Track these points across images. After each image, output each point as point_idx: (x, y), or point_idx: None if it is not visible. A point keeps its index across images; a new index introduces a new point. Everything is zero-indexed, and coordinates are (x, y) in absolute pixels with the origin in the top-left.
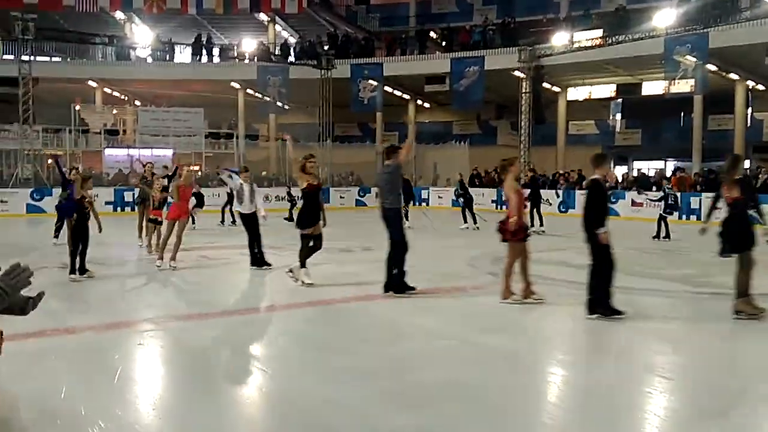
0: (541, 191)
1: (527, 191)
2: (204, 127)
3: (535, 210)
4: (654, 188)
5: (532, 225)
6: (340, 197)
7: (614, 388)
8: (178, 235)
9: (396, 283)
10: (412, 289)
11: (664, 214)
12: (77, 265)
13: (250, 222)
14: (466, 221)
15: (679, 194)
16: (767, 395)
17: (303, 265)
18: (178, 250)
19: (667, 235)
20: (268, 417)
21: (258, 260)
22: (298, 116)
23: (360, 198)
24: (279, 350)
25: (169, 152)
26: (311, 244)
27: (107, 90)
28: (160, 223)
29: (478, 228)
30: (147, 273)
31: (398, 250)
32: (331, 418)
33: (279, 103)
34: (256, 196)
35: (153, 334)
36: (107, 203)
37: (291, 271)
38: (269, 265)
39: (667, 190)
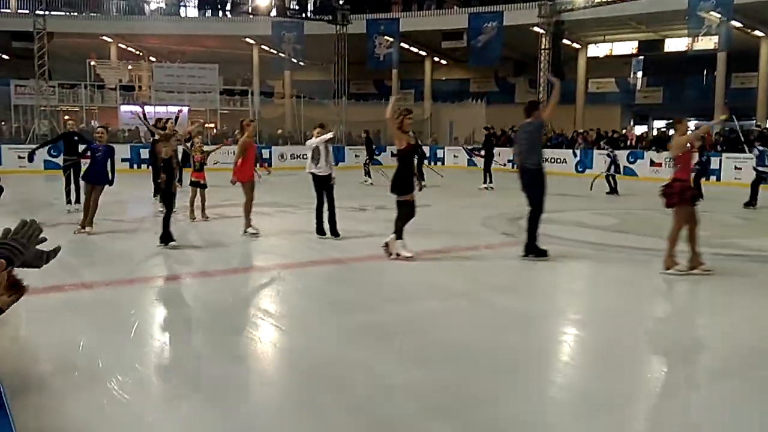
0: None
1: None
2: (219, 84)
3: (486, 168)
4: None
5: (485, 182)
6: (356, 156)
7: (627, 346)
8: (251, 197)
9: (534, 247)
10: (544, 253)
11: (609, 174)
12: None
13: (324, 184)
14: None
15: (617, 153)
16: None
17: (400, 236)
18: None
19: (614, 191)
20: (281, 372)
21: (325, 229)
22: (313, 73)
23: (375, 156)
24: (293, 307)
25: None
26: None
27: (122, 45)
28: (205, 186)
29: (492, 188)
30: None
31: (537, 213)
32: (343, 374)
33: (294, 60)
34: (330, 157)
35: (169, 291)
36: (123, 160)
37: (386, 245)
38: (337, 235)
39: (608, 150)
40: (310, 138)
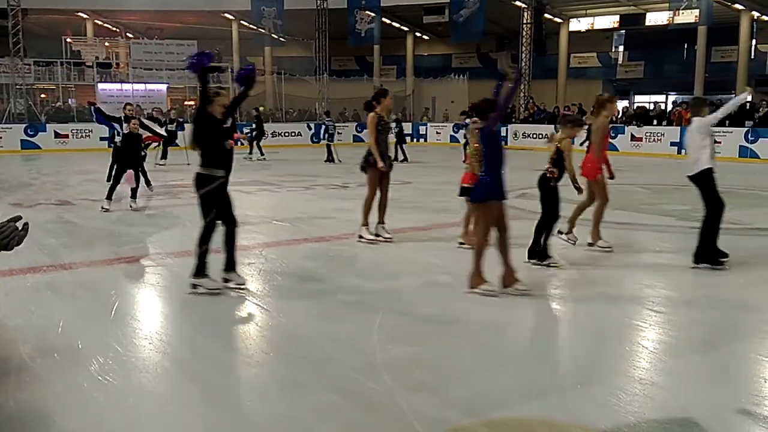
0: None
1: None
2: None
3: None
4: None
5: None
6: (338, 133)
7: (605, 322)
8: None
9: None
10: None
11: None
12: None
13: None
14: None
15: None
16: (756, 328)
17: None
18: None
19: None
20: (263, 351)
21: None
22: (294, 49)
23: (357, 134)
24: (277, 286)
25: (162, 87)
26: None
27: (98, 22)
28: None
29: None
30: (145, 210)
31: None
32: (328, 351)
33: (274, 36)
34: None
35: (150, 271)
36: (102, 138)
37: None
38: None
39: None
40: (293, 114)
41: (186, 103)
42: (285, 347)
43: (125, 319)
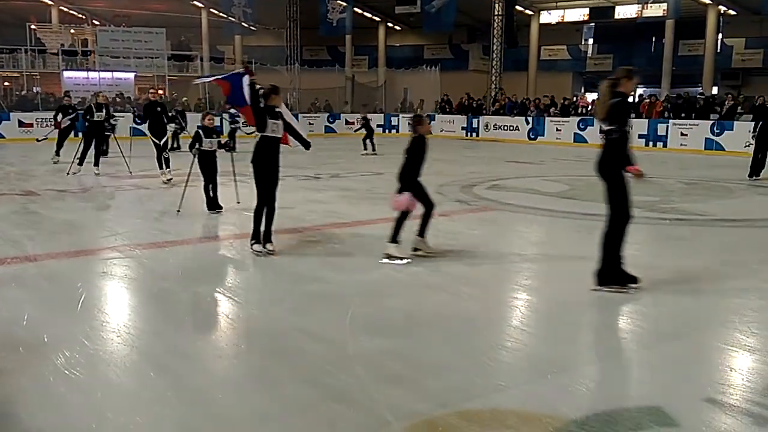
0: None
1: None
2: (166, 49)
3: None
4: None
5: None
6: (309, 123)
7: (574, 312)
8: None
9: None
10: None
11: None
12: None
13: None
14: None
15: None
16: (721, 318)
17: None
18: None
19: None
20: (236, 344)
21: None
22: (265, 38)
23: (329, 124)
24: (247, 278)
25: (130, 75)
26: None
27: (63, 8)
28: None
29: None
30: (112, 201)
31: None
32: (298, 344)
33: (244, 24)
34: None
35: (117, 263)
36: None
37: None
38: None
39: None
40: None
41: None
42: (257, 340)
43: (92, 311)
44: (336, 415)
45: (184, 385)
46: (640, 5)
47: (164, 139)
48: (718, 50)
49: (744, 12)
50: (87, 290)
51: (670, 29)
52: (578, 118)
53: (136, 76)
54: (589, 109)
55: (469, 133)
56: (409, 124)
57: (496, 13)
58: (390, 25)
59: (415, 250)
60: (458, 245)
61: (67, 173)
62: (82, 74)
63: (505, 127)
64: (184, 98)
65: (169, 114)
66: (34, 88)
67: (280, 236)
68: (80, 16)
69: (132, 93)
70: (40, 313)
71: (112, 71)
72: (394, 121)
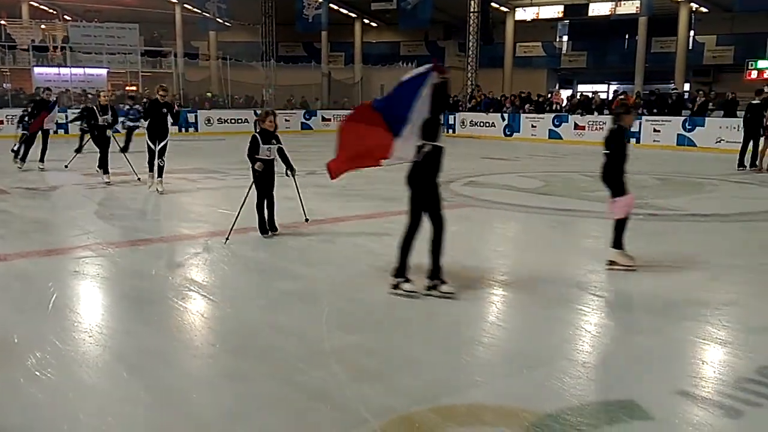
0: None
1: None
2: (139, 45)
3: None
4: None
5: None
6: (285, 120)
7: (548, 307)
8: None
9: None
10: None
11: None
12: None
13: None
14: None
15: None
16: (694, 312)
17: None
18: None
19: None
20: (208, 342)
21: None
22: (240, 34)
23: (305, 121)
24: (221, 276)
25: (102, 71)
26: None
27: (34, 3)
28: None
29: None
30: (84, 200)
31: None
32: (271, 342)
33: (219, 20)
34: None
35: (90, 261)
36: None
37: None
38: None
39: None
40: (239, 101)
41: (128, 88)
42: (230, 338)
43: (64, 311)
44: (311, 413)
45: (157, 385)
46: (613, 3)
47: (162, 144)
48: (690, 47)
49: (715, 9)
50: (58, 290)
51: (643, 26)
52: (553, 115)
53: (108, 72)
54: (563, 105)
55: (445, 130)
56: (612, 113)
57: (471, 9)
58: (366, 21)
59: (611, 263)
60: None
61: (107, 182)
62: (53, 70)
63: (482, 124)
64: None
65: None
66: (3, 84)
67: (254, 234)
68: (51, 11)
69: (104, 89)
70: (10, 313)
71: (83, 67)
72: None
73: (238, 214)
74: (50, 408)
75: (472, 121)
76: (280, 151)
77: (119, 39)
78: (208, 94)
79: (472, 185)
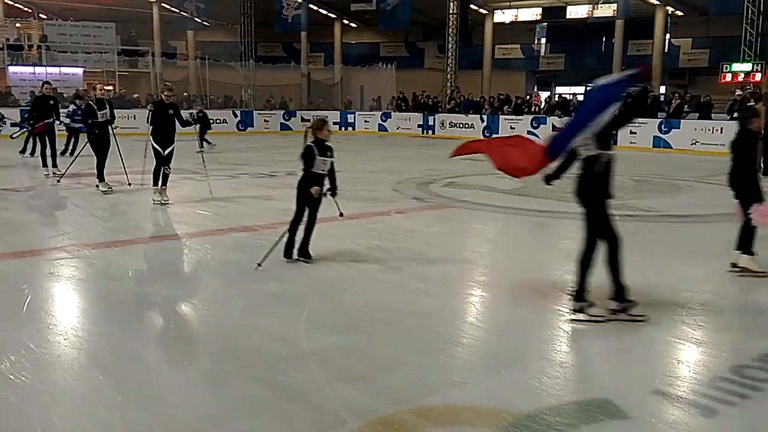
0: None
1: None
2: (116, 44)
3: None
4: None
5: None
6: (264, 120)
7: (526, 308)
8: None
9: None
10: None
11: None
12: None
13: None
14: None
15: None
16: (669, 312)
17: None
18: None
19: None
20: (187, 344)
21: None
22: (219, 34)
23: (284, 122)
24: (200, 277)
25: (78, 71)
26: None
27: (9, 2)
28: None
29: None
30: (59, 200)
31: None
32: (253, 342)
33: (197, 19)
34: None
35: (65, 263)
36: (13, 125)
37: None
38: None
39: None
40: (218, 102)
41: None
42: (209, 340)
43: (39, 314)
44: (291, 414)
45: (134, 389)
46: (590, 5)
47: (169, 150)
48: (666, 50)
49: (691, 12)
50: (33, 292)
51: (619, 29)
52: (531, 116)
53: (84, 71)
54: (542, 107)
55: (425, 131)
56: (738, 117)
57: (451, 11)
58: (346, 22)
59: (740, 268)
60: (415, 242)
61: (106, 191)
62: (29, 69)
63: (461, 125)
64: (135, 94)
65: (185, 119)
66: None
67: (234, 235)
68: (27, 9)
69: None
70: None
71: (59, 66)
72: (350, 118)
73: (278, 240)
74: (25, 412)
75: (451, 122)
76: (330, 167)
77: (96, 38)
78: (185, 95)
79: (452, 186)
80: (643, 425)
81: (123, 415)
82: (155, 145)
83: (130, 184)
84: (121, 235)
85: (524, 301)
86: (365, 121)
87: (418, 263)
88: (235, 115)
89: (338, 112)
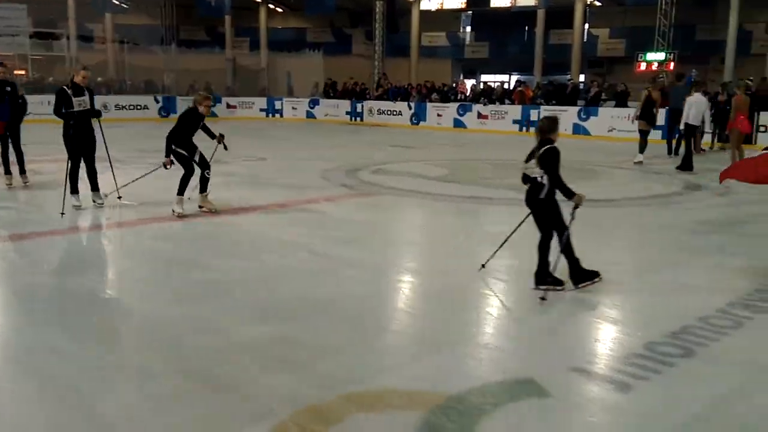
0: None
1: None
2: (28, 26)
3: None
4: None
5: None
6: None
7: (453, 291)
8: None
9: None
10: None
11: None
12: None
13: None
14: None
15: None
16: (589, 293)
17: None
18: None
19: None
20: (112, 337)
21: None
22: (139, 17)
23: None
24: (124, 268)
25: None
26: None
27: None
28: None
29: None
30: None
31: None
32: (182, 334)
33: (116, 1)
34: None
35: None
36: None
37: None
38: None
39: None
40: (140, 86)
41: (15, 72)
42: (134, 333)
43: None
44: (217, 407)
45: (54, 385)
46: None
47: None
48: (585, 39)
49: (608, 3)
50: None
51: (541, 19)
52: (458, 104)
53: None
54: (467, 95)
55: (353, 118)
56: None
57: None
58: (271, 6)
59: None
60: (344, 230)
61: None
62: None
63: (389, 112)
64: (51, 78)
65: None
66: None
67: (161, 224)
68: None
69: None
70: None
71: None
72: (278, 105)
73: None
74: None
75: (379, 109)
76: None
77: (6, 20)
78: (99, 80)
79: (380, 173)
80: (564, 402)
81: (41, 411)
82: (182, 151)
83: (120, 197)
84: (37, 226)
85: (451, 285)
86: (293, 108)
87: (349, 250)
88: (157, 101)
89: (265, 98)
